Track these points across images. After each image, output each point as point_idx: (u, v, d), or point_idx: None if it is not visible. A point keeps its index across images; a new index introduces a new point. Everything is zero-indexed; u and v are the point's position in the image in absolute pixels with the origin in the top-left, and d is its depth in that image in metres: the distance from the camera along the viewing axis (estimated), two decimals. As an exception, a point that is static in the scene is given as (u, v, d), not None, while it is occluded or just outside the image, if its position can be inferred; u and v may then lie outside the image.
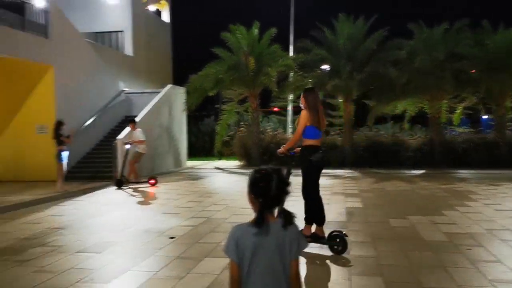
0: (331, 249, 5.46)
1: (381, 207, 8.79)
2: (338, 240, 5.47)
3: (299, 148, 5.90)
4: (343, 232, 5.57)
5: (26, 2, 13.53)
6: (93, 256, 5.53)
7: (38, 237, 6.60)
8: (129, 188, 12.20)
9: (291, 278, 2.21)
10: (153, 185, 12.58)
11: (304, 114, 5.73)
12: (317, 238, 5.67)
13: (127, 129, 13.11)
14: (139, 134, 12.79)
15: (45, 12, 13.93)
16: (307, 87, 6.33)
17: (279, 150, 6.08)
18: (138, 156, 12.82)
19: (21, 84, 14.17)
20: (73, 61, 15.24)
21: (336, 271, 4.83)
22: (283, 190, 2.21)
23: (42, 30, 13.79)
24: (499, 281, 4.42)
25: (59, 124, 11.47)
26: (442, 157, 17.53)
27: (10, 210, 8.98)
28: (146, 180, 12.78)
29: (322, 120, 5.84)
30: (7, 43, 12.20)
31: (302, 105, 5.86)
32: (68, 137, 11.54)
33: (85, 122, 15.57)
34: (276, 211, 2.24)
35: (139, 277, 4.71)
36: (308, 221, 5.85)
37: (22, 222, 7.81)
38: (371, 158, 18.07)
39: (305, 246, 2.31)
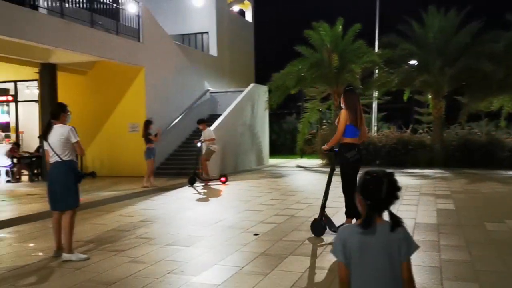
0: None
1: (475, 210, 8.25)
2: None
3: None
4: None
5: (120, 8, 14.45)
6: (183, 249, 5.76)
7: (132, 229, 7.01)
8: (201, 185, 12.46)
9: (404, 282, 2.19)
10: (223, 182, 12.84)
11: (343, 113, 6.04)
12: None
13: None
14: (210, 133, 13.15)
15: (138, 16, 14.77)
16: (347, 88, 6.27)
17: (323, 147, 6.54)
18: (210, 154, 13.12)
19: (116, 85, 15.15)
20: (162, 62, 16.01)
21: (426, 275, 4.60)
22: (393, 195, 2.19)
23: (134, 34, 14.65)
24: None
25: (147, 123, 12.10)
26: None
27: (106, 203, 9.63)
28: (217, 177, 13.07)
29: (361, 119, 6.10)
30: (104, 47, 13.10)
31: (342, 105, 6.20)
32: (155, 135, 12.14)
33: (173, 121, 16.28)
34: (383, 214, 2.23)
35: (226, 272, 4.83)
36: (349, 215, 6.28)
37: (117, 215, 8.35)
38: (463, 158, 17.03)
39: (416, 248, 2.24)
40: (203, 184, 12.67)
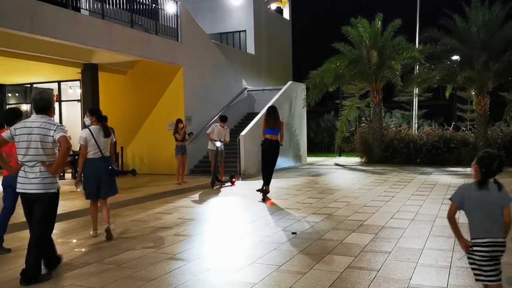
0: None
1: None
2: None
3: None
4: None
5: (159, 8, 14.70)
6: (221, 247, 5.80)
7: (171, 227, 7.11)
8: (220, 187, 11.95)
9: (506, 221, 3.30)
10: (233, 183, 12.44)
11: (262, 121, 9.84)
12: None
13: (216, 126, 12.36)
14: (228, 133, 12.53)
15: (176, 16, 14.98)
16: (269, 107, 10.24)
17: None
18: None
19: (155, 84, 15.44)
20: (200, 61, 16.18)
21: (469, 277, 4.42)
22: (500, 169, 3.29)
23: (173, 33, 14.87)
24: None
25: (177, 122, 12.37)
26: None
27: (145, 200, 9.83)
28: (229, 180, 12.47)
29: (274, 124, 9.54)
30: (143, 47, 13.36)
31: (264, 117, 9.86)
32: (187, 134, 12.38)
33: (211, 119, 16.43)
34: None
35: (263, 270, 4.82)
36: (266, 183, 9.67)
37: (156, 212, 8.50)
38: (509, 156, 16.36)
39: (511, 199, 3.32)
40: (219, 185, 11.97)
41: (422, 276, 4.52)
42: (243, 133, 15.02)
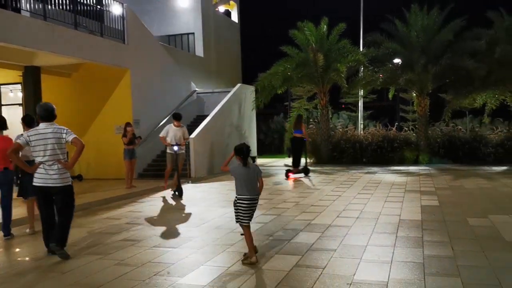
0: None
1: (459, 206, 8.39)
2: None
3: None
4: None
5: (104, 10, 14.38)
6: (169, 251, 5.78)
7: (118, 232, 7.01)
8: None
9: (260, 185, 5.29)
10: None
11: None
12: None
13: (170, 127, 11.24)
14: (186, 131, 11.70)
15: (122, 18, 14.70)
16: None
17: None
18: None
19: (101, 87, 15.07)
20: (148, 63, 15.96)
21: (409, 271, 4.68)
22: (248, 152, 5.18)
23: (119, 35, 14.58)
24: None
25: (125, 125, 12.20)
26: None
27: (92, 206, 9.60)
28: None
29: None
30: (88, 49, 13.03)
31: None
32: (136, 138, 12.20)
33: (160, 122, 16.24)
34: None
35: (212, 272, 4.86)
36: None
37: (103, 218, 8.33)
38: (448, 155, 17.27)
39: (261, 172, 5.37)
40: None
41: (365, 272, 4.72)
42: (192, 135, 14.94)
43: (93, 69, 14.59)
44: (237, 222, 5.24)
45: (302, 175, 14.25)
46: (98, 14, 14.14)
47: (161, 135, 11.35)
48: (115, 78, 14.87)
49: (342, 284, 4.38)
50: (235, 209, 5.24)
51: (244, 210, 5.14)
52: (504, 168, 15.04)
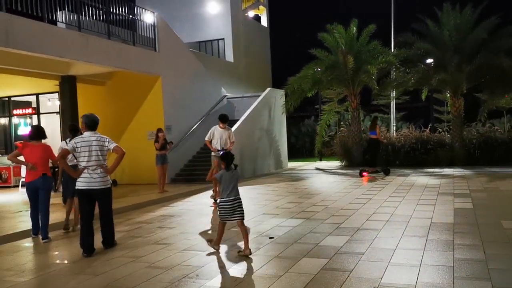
0: None
1: (493, 208, 8.17)
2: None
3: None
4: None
5: (136, 19, 14.77)
6: (199, 254, 5.89)
7: (150, 235, 7.18)
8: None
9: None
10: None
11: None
12: None
13: (215, 129, 10.71)
14: (232, 134, 11.14)
15: (153, 26, 15.06)
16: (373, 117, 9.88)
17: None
18: None
19: (134, 94, 15.48)
20: (179, 70, 16.27)
21: (439, 274, 4.62)
22: (232, 158, 5.94)
23: (151, 43, 14.95)
24: None
25: (157, 131, 12.45)
26: None
27: (125, 211, 9.86)
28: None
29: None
30: (121, 57, 13.41)
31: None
32: (168, 143, 12.44)
33: (191, 128, 16.51)
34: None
35: (240, 275, 4.93)
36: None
37: (136, 222, 8.55)
38: (484, 156, 16.80)
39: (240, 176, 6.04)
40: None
41: (392, 275, 4.68)
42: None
43: (126, 77, 15.01)
44: (222, 220, 5.87)
45: (380, 174, 14.74)
46: (130, 23, 14.54)
47: (206, 138, 10.72)
48: (147, 85, 15.25)
49: (369, 287, 4.36)
50: (219, 209, 5.85)
51: (228, 210, 5.76)
52: (544, 169, 14.52)
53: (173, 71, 15.85)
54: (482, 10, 17.60)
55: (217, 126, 10.67)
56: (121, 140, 15.51)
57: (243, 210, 5.87)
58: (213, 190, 10.58)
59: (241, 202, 5.86)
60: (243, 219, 5.85)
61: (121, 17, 14.28)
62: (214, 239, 6.06)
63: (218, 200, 6.03)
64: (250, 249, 5.72)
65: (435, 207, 8.48)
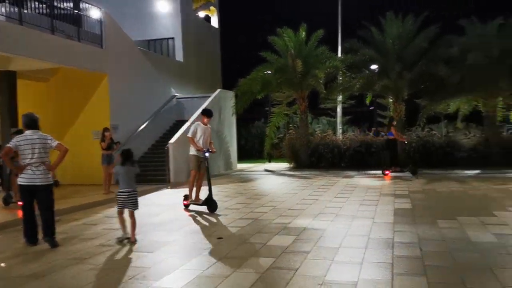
0: None
1: (430, 208, 8.63)
2: None
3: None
4: None
5: (82, 14, 14.34)
6: (146, 255, 5.84)
7: (95, 237, 7.03)
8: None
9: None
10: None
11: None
12: None
13: (198, 125, 9.60)
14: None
15: (100, 22, 14.69)
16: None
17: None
18: None
19: (79, 92, 15.01)
20: (127, 68, 15.95)
21: (379, 271, 4.85)
22: (131, 155, 6.76)
23: (97, 40, 14.56)
24: (549, 284, 4.30)
25: (103, 130, 12.20)
26: (499, 157, 16.82)
27: (69, 212, 9.56)
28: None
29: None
30: (65, 53, 12.98)
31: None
32: (114, 143, 12.21)
33: (139, 127, 16.22)
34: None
35: (187, 275, 4.94)
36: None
37: (80, 223, 8.32)
38: (423, 159, 17.62)
39: (137, 170, 6.84)
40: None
41: (336, 273, 4.87)
42: (172, 140, 14.97)
43: (71, 74, 14.53)
44: (119, 208, 6.65)
45: (407, 173, 15.00)
46: (76, 19, 14.10)
47: (189, 135, 9.49)
48: (93, 82, 14.83)
49: (314, 284, 4.51)
50: (116, 199, 6.66)
51: (124, 200, 6.57)
52: (476, 172, 15.45)
53: (121, 69, 15.52)
54: (423, 20, 18.46)
55: (200, 122, 9.67)
56: (64, 138, 14.98)
57: (136, 202, 6.66)
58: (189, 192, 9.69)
59: (136, 194, 6.65)
60: (135, 209, 6.64)
61: (66, 11, 13.81)
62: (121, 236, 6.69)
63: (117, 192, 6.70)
64: (136, 239, 6.52)
65: (377, 208, 8.84)
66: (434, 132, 20.04)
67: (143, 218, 8.70)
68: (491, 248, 5.59)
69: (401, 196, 10.29)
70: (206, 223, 7.83)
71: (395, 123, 15.79)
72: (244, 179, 15.89)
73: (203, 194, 9.56)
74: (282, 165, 20.97)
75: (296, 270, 4.97)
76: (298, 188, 12.57)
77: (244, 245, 6.17)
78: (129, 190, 6.58)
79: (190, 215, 8.79)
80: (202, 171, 9.59)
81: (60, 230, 7.67)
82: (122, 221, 6.70)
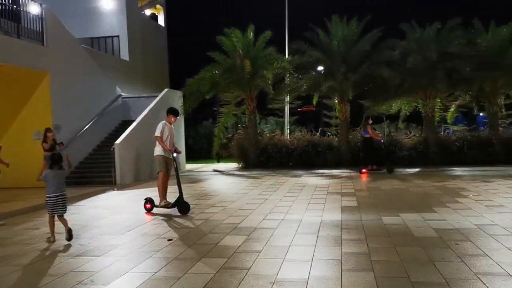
0: None
1: (375, 206, 8.95)
2: None
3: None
4: None
5: (21, 10, 13.70)
6: (93, 259, 5.67)
7: (38, 242, 6.74)
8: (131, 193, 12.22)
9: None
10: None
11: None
12: None
13: (163, 123, 9.20)
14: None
15: (41, 19, 14.08)
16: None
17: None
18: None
19: (19, 90, 14.32)
20: (69, 67, 15.40)
21: (328, 268, 4.98)
22: (60, 159, 6.79)
23: (38, 37, 13.95)
24: (484, 274, 4.58)
25: (45, 131, 11.75)
26: (437, 156, 17.72)
27: (9, 216, 9.12)
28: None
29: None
30: (3, 50, 12.35)
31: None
32: (57, 144, 11.79)
33: (83, 128, 15.72)
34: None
35: (137, 279, 4.85)
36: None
37: (22, 228, 7.95)
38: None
39: (66, 172, 6.95)
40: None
41: (287, 271, 4.95)
42: (118, 141, 14.63)
43: (9, 72, 13.79)
44: (50, 213, 6.73)
45: (383, 172, 15.42)
46: (15, 14, 13.44)
47: (158, 134, 9.02)
48: (33, 81, 14.21)
49: (266, 283, 4.56)
50: (46, 205, 6.70)
51: (53, 204, 6.64)
52: (417, 170, 16.19)
53: (63, 67, 14.96)
54: (366, 23, 19.10)
55: (166, 122, 9.24)
56: (2, 139, 14.27)
57: (65, 206, 6.79)
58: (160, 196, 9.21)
59: (65, 198, 6.74)
60: (64, 213, 6.77)
61: (3, 7, 13.14)
62: (51, 236, 6.78)
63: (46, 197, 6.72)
64: (71, 236, 6.66)
65: (324, 206, 9.06)
66: (377, 132, 20.78)
67: (89, 221, 8.45)
68: (432, 243, 5.89)
69: (348, 194, 10.60)
70: (156, 225, 7.72)
71: (371, 121, 16.07)
72: (193, 179, 15.77)
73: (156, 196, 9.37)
74: (231, 165, 21.00)
75: (248, 270, 5.00)
76: (247, 188, 12.64)
77: (195, 246, 6.14)
78: (58, 194, 6.65)
79: (138, 217, 8.61)
80: (169, 173, 9.30)
81: (2, 235, 7.32)
82: (52, 226, 6.78)
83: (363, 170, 15.45)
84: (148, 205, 9.19)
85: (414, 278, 4.53)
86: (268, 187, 12.61)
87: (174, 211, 8.92)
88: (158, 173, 9.25)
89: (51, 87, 14.26)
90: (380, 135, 17.42)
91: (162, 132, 9.03)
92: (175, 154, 9.11)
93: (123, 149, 14.63)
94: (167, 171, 9.26)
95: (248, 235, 6.68)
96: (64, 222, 6.70)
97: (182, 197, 8.82)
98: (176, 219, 8.25)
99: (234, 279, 4.71)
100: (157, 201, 9.26)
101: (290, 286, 4.45)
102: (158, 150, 9.16)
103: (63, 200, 6.71)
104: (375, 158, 16.00)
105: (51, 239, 6.69)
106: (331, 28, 19.35)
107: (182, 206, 8.72)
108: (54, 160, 6.75)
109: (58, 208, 6.64)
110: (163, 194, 9.15)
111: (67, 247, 6.39)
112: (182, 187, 9.10)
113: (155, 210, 9.20)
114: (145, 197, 9.45)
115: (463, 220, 7.18)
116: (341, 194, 10.65)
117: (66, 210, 6.77)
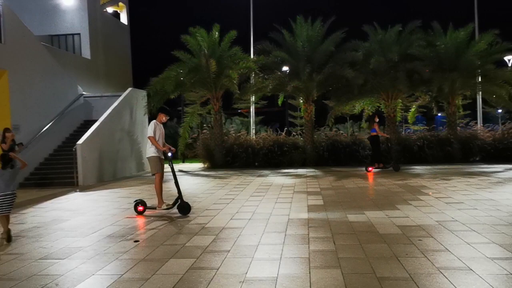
0: None
1: (340, 204, 9.12)
2: None
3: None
4: None
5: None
6: (57, 262, 5.52)
7: (-2, 246, 6.51)
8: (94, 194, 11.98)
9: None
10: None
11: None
12: None
13: (155, 122, 8.92)
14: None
15: (-2, 15, 13.59)
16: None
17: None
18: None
19: (-26, 89, 13.76)
20: (29, 65, 14.93)
21: (296, 266, 5.04)
22: (6, 161, 6.71)
23: (-5, 34, 13.46)
24: (446, 268, 4.76)
25: (4, 131, 11.31)
26: (398, 154, 18.20)
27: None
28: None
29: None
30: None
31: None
32: (17, 145, 11.37)
33: (43, 128, 15.27)
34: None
35: (104, 281, 4.77)
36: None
37: (-20, 232, 7.64)
38: (332, 157, 18.53)
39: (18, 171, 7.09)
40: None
41: (256, 269, 4.98)
42: (80, 141, 14.28)
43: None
44: (2, 213, 6.71)
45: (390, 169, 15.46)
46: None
47: (151, 134, 8.71)
48: (-10, 79, 13.68)
49: (235, 282, 4.58)
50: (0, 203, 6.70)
51: (7, 204, 6.70)
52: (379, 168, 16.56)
53: (22, 66, 14.48)
54: (331, 25, 19.44)
55: (157, 121, 8.97)
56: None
57: (12, 205, 6.86)
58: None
59: (14, 197, 6.86)
60: (9, 213, 6.86)
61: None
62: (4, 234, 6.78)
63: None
64: (10, 237, 6.73)
65: (291, 205, 9.15)
66: (341, 131, 21.17)
67: (52, 223, 8.22)
68: (396, 239, 6.05)
69: (313, 193, 10.75)
70: (121, 227, 7.59)
71: (377, 120, 15.87)
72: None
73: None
74: (197, 165, 20.89)
75: (217, 269, 5.00)
76: (214, 188, 12.61)
77: (163, 247, 6.08)
78: (8, 193, 6.73)
79: (102, 219, 8.44)
80: (163, 173, 9.11)
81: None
82: (7, 225, 6.84)
83: (369, 168, 15.41)
84: (140, 207, 8.71)
85: (380, 274, 4.65)
86: (234, 187, 12.62)
87: (145, 211, 8.79)
88: (153, 175, 9.00)
89: (10, 86, 13.77)
90: (386, 133, 17.42)
91: (154, 132, 8.73)
92: (170, 154, 8.84)
93: (85, 150, 14.29)
94: (161, 169, 9.03)
95: (216, 235, 6.67)
96: (7, 221, 6.79)
97: (182, 198, 8.64)
98: (143, 220, 8.13)
99: (203, 279, 4.69)
100: (149, 202, 9.07)
101: (260, 285, 4.48)
102: (151, 151, 8.85)
103: (13, 199, 6.80)
104: (384, 156, 16.18)
105: (4, 236, 6.76)
106: (296, 29, 19.55)
107: (182, 206, 8.54)
108: (5, 160, 6.81)
109: (4, 207, 6.69)
110: (161, 196, 8.93)
111: (29, 250, 6.19)
112: (155, 189, 8.98)
113: (122, 212, 9.02)
114: (135, 199, 9.04)
115: (424, 217, 7.42)
116: (307, 193, 10.79)
117: (11, 210, 6.86)
